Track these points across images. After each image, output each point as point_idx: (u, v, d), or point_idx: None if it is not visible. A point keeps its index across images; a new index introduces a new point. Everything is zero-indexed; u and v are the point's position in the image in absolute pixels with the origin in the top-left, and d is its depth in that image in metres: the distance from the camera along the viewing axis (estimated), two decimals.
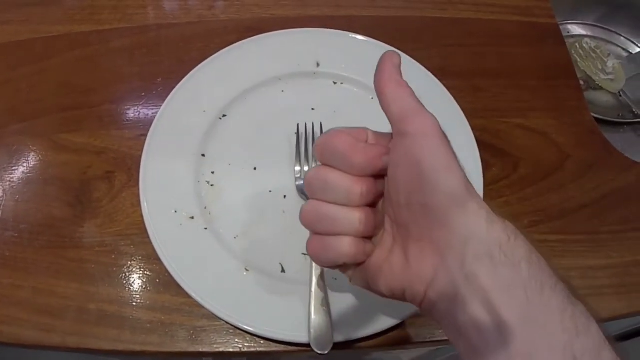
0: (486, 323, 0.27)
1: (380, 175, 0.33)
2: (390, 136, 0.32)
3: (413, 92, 0.32)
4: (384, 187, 0.33)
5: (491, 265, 0.28)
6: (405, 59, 0.57)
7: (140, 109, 0.56)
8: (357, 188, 0.31)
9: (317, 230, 0.33)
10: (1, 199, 0.51)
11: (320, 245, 0.33)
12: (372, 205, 0.33)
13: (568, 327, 0.26)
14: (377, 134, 0.34)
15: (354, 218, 0.32)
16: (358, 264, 0.34)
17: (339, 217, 0.32)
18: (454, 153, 0.30)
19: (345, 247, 0.32)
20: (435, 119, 0.30)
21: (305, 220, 0.33)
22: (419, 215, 0.30)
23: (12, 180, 0.52)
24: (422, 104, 0.31)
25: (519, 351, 0.26)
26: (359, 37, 0.59)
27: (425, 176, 0.29)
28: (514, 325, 0.27)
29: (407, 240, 0.31)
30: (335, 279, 0.46)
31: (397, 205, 0.31)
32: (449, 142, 0.30)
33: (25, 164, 0.53)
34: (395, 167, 0.31)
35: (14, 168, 0.53)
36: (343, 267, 0.34)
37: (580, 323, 0.27)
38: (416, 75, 0.57)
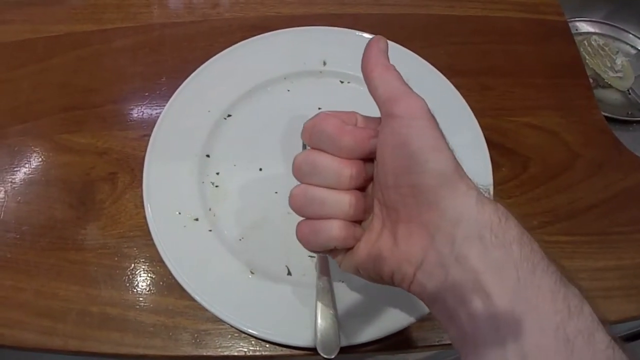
0: (476, 305, 0.27)
1: (369, 159, 0.33)
2: (379, 120, 0.32)
3: (400, 76, 0.32)
4: (373, 170, 0.33)
5: (482, 247, 0.27)
6: (413, 57, 0.57)
7: (144, 109, 0.56)
8: (347, 170, 0.32)
9: (307, 214, 0.33)
10: (3, 200, 0.51)
11: (310, 229, 0.33)
12: (362, 189, 0.33)
13: (560, 309, 0.26)
14: (367, 118, 0.34)
15: (344, 201, 0.32)
16: (347, 249, 0.33)
17: (329, 200, 0.32)
18: (442, 134, 0.30)
19: (335, 230, 0.32)
20: (423, 100, 0.30)
21: (295, 203, 0.33)
22: (408, 197, 0.30)
23: (13, 181, 0.52)
24: (409, 87, 0.31)
25: (510, 333, 0.26)
26: (366, 35, 0.58)
27: (413, 157, 0.29)
28: (505, 307, 0.26)
29: (395, 223, 0.31)
30: (342, 281, 0.45)
31: (386, 187, 0.31)
32: (437, 123, 0.30)
33: (27, 165, 0.53)
34: (383, 148, 0.31)
35: (15, 169, 0.52)
36: (333, 251, 0.34)
37: (573, 305, 0.26)
38: (425, 73, 0.56)
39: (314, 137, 0.33)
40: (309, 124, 0.33)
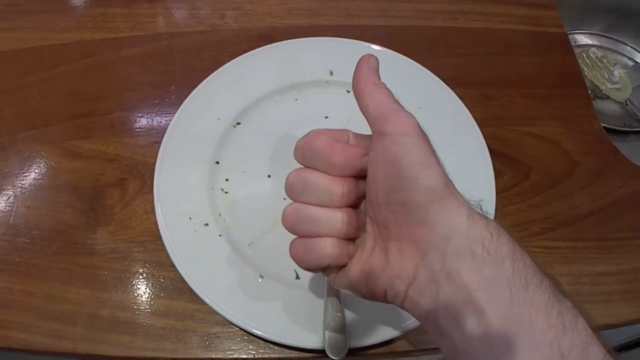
0: (469, 322, 0.27)
1: (361, 176, 0.32)
2: (371, 137, 0.32)
3: (391, 93, 0.32)
4: (365, 188, 0.33)
5: (473, 263, 0.27)
6: (418, 67, 0.58)
7: (154, 117, 0.57)
8: (338, 188, 0.32)
9: (300, 232, 0.33)
10: (12, 205, 0.51)
11: (303, 248, 0.33)
12: (355, 206, 0.33)
13: (554, 324, 0.26)
14: (358, 135, 0.35)
15: (337, 218, 0.32)
16: (340, 267, 0.33)
17: (321, 217, 0.32)
18: (432, 150, 0.30)
19: (329, 248, 0.32)
20: (413, 117, 0.30)
21: (287, 222, 0.33)
22: (399, 214, 0.30)
23: (23, 186, 0.52)
24: (399, 104, 0.31)
25: (504, 350, 0.26)
26: (373, 46, 0.59)
27: (403, 174, 0.29)
28: (497, 324, 0.26)
29: (387, 240, 0.31)
30: None
31: (377, 205, 0.31)
32: (427, 140, 0.30)
33: (36, 171, 0.53)
34: (374, 165, 0.31)
35: (25, 174, 0.53)
36: (326, 269, 0.34)
37: (567, 319, 0.26)
38: (429, 83, 0.58)
39: (306, 155, 0.33)
40: (301, 142, 0.33)
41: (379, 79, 0.33)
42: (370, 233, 0.33)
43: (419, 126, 0.30)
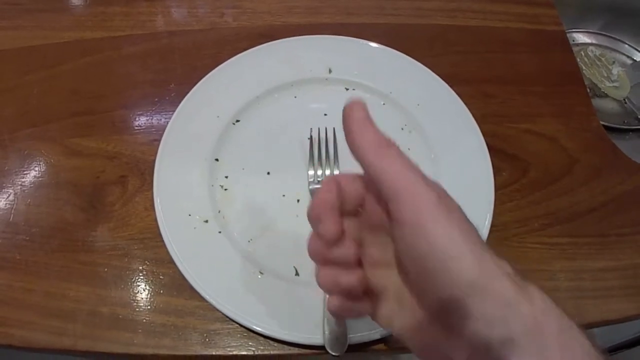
0: None
1: (354, 212, 0.31)
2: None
3: (400, 152, 0.28)
4: (355, 228, 0.31)
5: (517, 354, 0.25)
6: (418, 65, 0.59)
7: (153, 115, 0.57)
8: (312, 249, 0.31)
9: None
10: (12, 202, 0.51)
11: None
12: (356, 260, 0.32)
13: None
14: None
15: (318, 277, 0.32)
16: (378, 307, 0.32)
17: (316, 273, 0.32)
18: (462, 223, 0.27)
19: (329, 302, 0.32)
20: (433, 193, 0.27)
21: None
22: (439, 311, 0.28)
23: (23, 184, 0.52)
24: (415, 170, 0.28)
25: None
26: (371, 43, 0.60)
27: (432, 273, 0.26)
28: None
29: (434, 330, 0.29)
30: None
31: (417, 297, 0.29)
32: (453, 211, 0.27)
33: (36, 168, 0.53)
34: (402, 258, 0.29)
35: (25, 172, 0.53)
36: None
37: None
38: (428, 81, 0.58)
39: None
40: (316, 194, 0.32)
41: (379, 132, 0.28)
42: (417, 311, 0.30)
43: (440, 200, 0.27)
